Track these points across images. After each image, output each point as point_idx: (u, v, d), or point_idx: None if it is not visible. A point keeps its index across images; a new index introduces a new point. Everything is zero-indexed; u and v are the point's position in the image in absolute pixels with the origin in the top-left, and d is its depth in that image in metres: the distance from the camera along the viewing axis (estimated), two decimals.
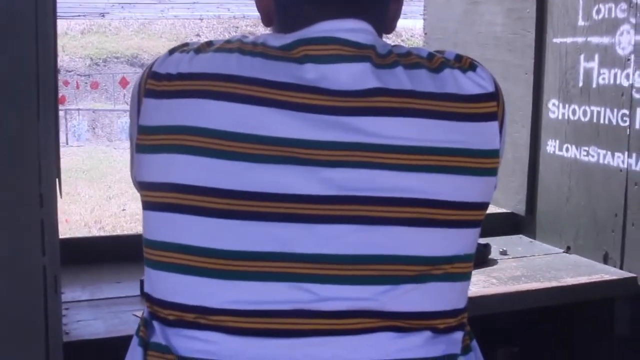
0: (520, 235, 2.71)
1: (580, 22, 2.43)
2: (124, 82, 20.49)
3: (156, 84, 1.00)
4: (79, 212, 11.50)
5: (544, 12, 2.59)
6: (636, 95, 2.22)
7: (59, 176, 1.39)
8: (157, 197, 0.99)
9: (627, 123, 2.25)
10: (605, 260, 2.34)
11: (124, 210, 11.80)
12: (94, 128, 21.84)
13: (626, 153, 2.25)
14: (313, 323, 0.97)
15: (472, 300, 1.08)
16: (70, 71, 24.62)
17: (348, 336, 0.98)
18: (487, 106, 1.02)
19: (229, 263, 0.95)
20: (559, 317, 2.46)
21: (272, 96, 0.96)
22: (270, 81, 0.96)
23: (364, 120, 0.96)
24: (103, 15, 24.44)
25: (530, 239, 2.66)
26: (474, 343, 1.10)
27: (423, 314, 1.00)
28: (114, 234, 8.53)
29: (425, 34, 3.33)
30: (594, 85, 2.38)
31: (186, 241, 0.97)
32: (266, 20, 1.12)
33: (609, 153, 2.32)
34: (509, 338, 2.39)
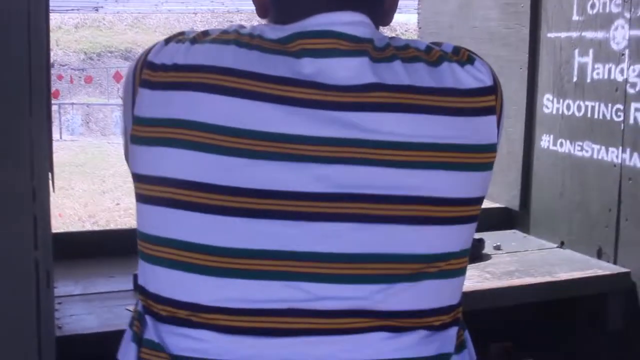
0: (514, 230, 2.71)
1: (575, 17, 2.43)
2: (118, 77, 20.44)
3: (152, 74, 0.99)
4: (72, 206, 11.48)
5: (539, 6, 2.59)
6: (630, 90, 2.22)
7: (51, 170, 1.39)
8: (151, 190, 0.98)
9: (621, 118, 2.24)
10: (599, 255, 2.34)
11: (118, 204, 11.78)
12: (87, 122, 21.79)
13: (620, 148, 2.25)
14: (307, 322, 0.96)
15: (466, 295, 1.08)
16: (64, 65, 24.55)
17: (342, 335, 0.97)
18: (486, 100, 1.01)
19: (222, 260, 0.94)
20: (553, 312, 2.46)
21: (269, 91, 0.95)
22: (267, 75, 0.95)
23: (362, 115, 0.95)
24: (97, 10, 24.35)
25: (524, 234, 2.66)
26: (467, 334, 1.09)
27: (418, 312, 1.00)
28: (108, 228, 8.52)
29: (420, 28, 3.32)
30: (589, 80, 2.38)
31: (179, 236, 0.96)
32: (261, 12, 1.10)
33: (603, 148, 2.32)
34: (502, 333, 2.39)
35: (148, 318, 1.01)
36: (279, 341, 0.96)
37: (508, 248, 2.46)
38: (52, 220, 1.30)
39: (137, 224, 1.03)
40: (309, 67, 0.96)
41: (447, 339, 1.03)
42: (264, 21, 1.11)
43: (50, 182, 1.30)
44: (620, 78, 2.25)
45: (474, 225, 1.04)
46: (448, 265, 1.00)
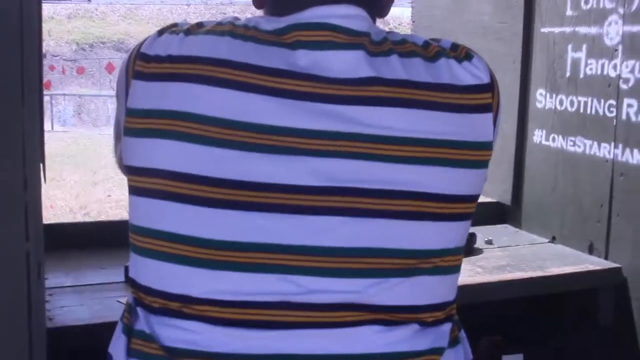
0: (506, 225, 2.71)
1: (569, 12, 2.43)
2: (110, 68, 20.37)
3: (145, 65, 0.98)
4: (64, 197, 11.45)
5: (532, 1, 2.59)
6: (623, 86, 2.22)
7: (43, 161, 1.38)
8: (144, 182, 0.98)
9: (614, 114, 2.25)
10: (591, 250, 2.35)
11: (109, 196, 11.76)
12: (79, 113, 21.73)
13: (612, 144, 2.26)
14: (300, 315, 0.96)
15: (457, 289, 1.08)
16: (56, 56, 24.45)
17: (335, 329, 0.97)
18: (482, 97, 1.01)
19: (215, 253, 0.94)
20: (544, 307, 2.46)
21: (264, 83, 0.94)
22: (262, 67, 0.95)
23: (358, 109, 0.95)
24: (89, 0, 24.26)
25: (516, 229, 2.67)
26: (462, 334, 1.09)
27: (411, 307, 1.00)
28: (99, 219, 8.51)
29: (413, 22, 3.32)
30: (582, 76, 2.38)
31: (172, 229, 0.95)
32: (258, 3, 1.10)
33: (596, 143, 2.32)
34: (493, 327, 2.39)
35: (139, 310, 1.01)
36: (271, 334, 0.96)
37: (499, 243, 2.46)
38: (43, 211, 1.29)
39: (129, 217, 1.03)
40: (304, 59, 0.96)
41: (441, 334, 1.03)
42: (258, 13, 1.11)
43: (42, 172, 1.29)
44: (613, 74, 2.25)
45: (467, 223, 1.04)
46: (443, 262, 1.00)
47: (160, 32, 1.02)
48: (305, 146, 0.94)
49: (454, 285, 1.06)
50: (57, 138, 16.25)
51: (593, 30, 2.34)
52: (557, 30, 2.48)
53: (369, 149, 0.95)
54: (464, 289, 1.08)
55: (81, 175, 13.26)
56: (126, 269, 1.90)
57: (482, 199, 2.74)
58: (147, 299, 1.00)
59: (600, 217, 2.31)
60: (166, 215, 0.95)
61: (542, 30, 2.55)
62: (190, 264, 0.95)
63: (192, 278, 0.95)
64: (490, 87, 1.02)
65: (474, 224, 1.08)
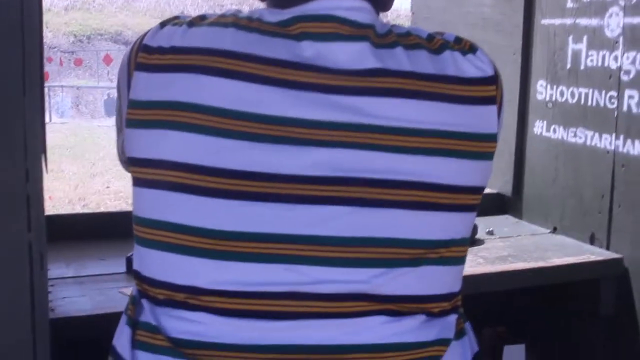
0: (507, 216, 2.71)
1: (569, 4, 2.42)
2: (107, 59, 20.35)
3: (148, 57, 0.98)
4: (62, 189, 11.45)
5: None
6: (624, 78, 2.21)
7: (44, 152, 1.38)
8: (149, 173, 0.97)
9: (615, 105, 2.24)
10: (592, 241, 2.35)
11: (108, 187, 11.76)
12: (77, 105, 21.72)
13: (614, 135, 2.26)
14: (306, 306, 0.96)
15: None
16: (53, 48, 24.42)
17: (342, 319, 0.97)
18: (487, 90, 1.01)
19: (220, 243, 0.94)
20: (545, 297, 2.47)
21: (268, 73, 0.94)
22: (267, 58, 0.95)
23: (363, 100, 0.95)
24: None
25: (517, 219, 2.67)
26: (468, 325, 1.09)
27: (417, 297, 1.00)
28: (99, 211, 8.50)
29: (413, 13, 3.31)
30: (582, 67, 2.37)
31: (177, 220, 0.95)
32: None
33: (597, 135, 2.32)
34: (495, 318, 2.40)
35: (144, 301, 1.01)
36: (278, 324, 0.96)
37: (501, 233, 2.46)
38: None
39: (133, 208, 1.03)
40: (309, 50, 0.96)
41: (447, 325, 1.03)
42: (256, 5, 1.11)
43: (44, 163, 1.29)
44: (614, 65, 2.25)
45: (473, 214, 1.04)
46: (449, 252, 1.01)
47: (163, 24, 1.02)
48: (311, 136, 0.94)
49: (460, 276, 1.06)
50: (55, 130, 16.24)
51: (594, 22, 2.33)
52: (557, 22, 2.48)
53: (375, 139, 0.95)
54: (466, 280, 1.08)
55: (80, 167, 13.26)
56: (127, 260, 1.90)
57: None
58: (152, 290, 1.00)
59: (601, 208, 2.31)
60: (171, 206, 0.95)
61: (543, 22, 2.55)
62: (196, 254, 0.95)
63: (198, 269, 0.95)
64: (495, 80, 1.03)
65: None
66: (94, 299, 1.72)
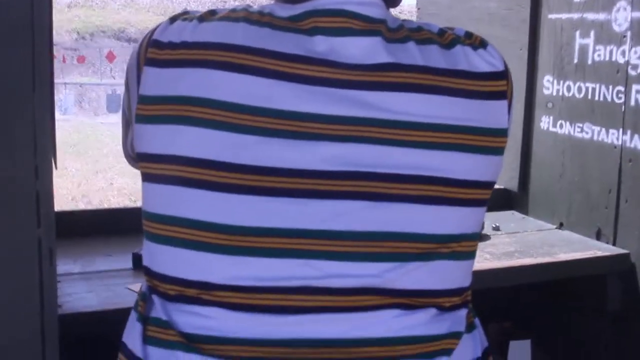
0: (513, 211, 2.70)
1: None
2: (110, 56, 20.38)
3: (158, 52, 0.98)
4: (66, 186, 11.46)
5: None
6: (632, 72, 2.21)
7: (54, 148, 1.38)
8: (160, 169, 0.97)
9: (622, 100, 2.24)
10: (598, 236, 2.34)
11: (111, 184, 11.77)
12: (80, 102, 21.74)
13: (621, 130, 2.25)
14: (319, 300, 0.95)
15: None
16: (56, 45, 24.38)
17: (355, 313, 0.97)
18: (498, 85, 1.01)
19: (233, 238, 0.94)
20: (552, 293, 2.46)
21: (281, 68, 0.94)
22: (279, 52, 0.94)
23: (375, 95, 0.95)
24: None
25: (523, 215, 2.66)
26: (477, 320, 1.09)
27: (429, 292, 1.00)
28: (105, 207, 8.51)
29: (419, 9, 3.31)
30: (590, 62, 2.37)
31: (189, 215, 0.95)
32: None
33: (604, 130, 2.32)
34: (501, 313, 2.39)
35: (155, 297, 1.01)
36: (291, 319, 0.95)
37: (507, 229, 2.46)
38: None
39: (143, 204, 1.03)
40: (322, 45, 0.96)
41: (458, 319, 1.03)
42: (259, 2, 1.10)
43: (53, 160, 1.29)
44: (621, 60, 2.24)
45: (483, 209, 1.04)
46: (460, 247, 1.01)
47: (173, 20, 1.02)
48: (324, 131, 0.93)
49: (470, 271, 1.06)
50: (58, 127, 16.16)
51: (601, 16, 2.32)
52: (564, 16, 2.47)
53: (387, 134, 0.95)
54: (472, 275, 1.08)
55: (83, 164, 13.27)
56: (134, 256, 1.90)
57: None
58: (162, 286, 0.99)
59: (608, 203, 2.31)
60: (184, 202, 0.95)
61: (550, 16, 2.54)
62: (209, 250, 0.94)
63: (212, 264, 0.95)
64: (505, 75, 1.03)
65: None
66: (101, 295, 1.72)
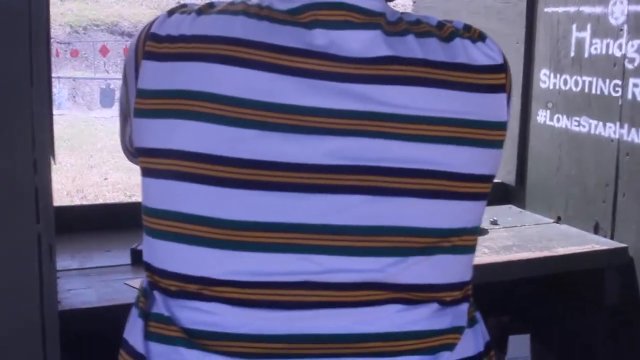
0: (510, 205, 2.71)
1: None
2: (104, 50, 20.32)
3: (157, 45, 0.97)
4: (60, 181, 11.42)
5: None
6: (629, 66, 2.21)
7: (52, 143, 1.37)
8: (159, 164, 0.96)
9: (619, 93, 2.24)
10: (596, 230, 2.35)
11: (106, 179, 11.74)
12: (74, 96, 21.68)
13: (618, 123, 2.25)
14: (320, 295, 0.95)
15: None
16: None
17: (356, 308, 0.96)
18: (497, 78, 1.01)
19: (234, 233, 0.93)
20: (550, 287, 2.47)
21: (280, 62, 0.93)
22: (278, 46, 0.94)
23: (375, 88, 0.94)
24: None
25: (520, 209, 2.67)
26: (478, 315, 1.09)
27: (431, 286, 0.99)
28: (103, 202, 8.49)
29: (414, 2, 3.30)
30: (586, 55, 2.37)
31: (190, 210, 0.94)
32: None
33: (601, 123, 2.32)
34: (500, 307, 2.40)
35: (156, 293, 1.00)
36: (292, 314, 0.95)
37: (505, 223, 2.46)
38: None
39: (142, 199, 1.02)
40: (321, 39, 0.95)
41: (459, 313, 1.03)
42: None
43: (52, 155, 1.28)
44: (618, 53, 2.24)
45: (484, 203, 1.04)
46: (461, 241, 1.00)
47: (170, 13, 1.02)
48: (324, 125, 0.93)
49: (470, 265, 1.06)
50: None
51: (598, 9, 2.32)
52: (561, 9, 2.47)
53: (387, 127, 0.94)
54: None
55: (77, 159, 13.23)
56: (132, 251, 1.90)
57: None
58: (163, 282, 0.99)
59: (605, 197, 2.31)
60: (184, 197, 0.94)
61: (546, 10, 2.54)
62: (209, 245, 0.94)
63: (212, 260, 0.94)
64: (504, 68, 1.03)
65: None
66: (100, 291, 1.71)
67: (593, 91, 2.34)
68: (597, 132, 2.33)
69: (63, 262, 1.89)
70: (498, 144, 1.02)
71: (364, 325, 0.97)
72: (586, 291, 2.36)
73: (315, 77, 0.94)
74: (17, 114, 1.14)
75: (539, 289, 2.50)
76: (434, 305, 1.00)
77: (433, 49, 0.98)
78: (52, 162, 1.28)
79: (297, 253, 0.94)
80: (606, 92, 2.29)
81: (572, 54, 2.42)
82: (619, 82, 2.24)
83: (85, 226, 2.18)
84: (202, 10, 0.99)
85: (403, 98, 0.95)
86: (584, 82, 2.38)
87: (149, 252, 1.02)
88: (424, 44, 0.99)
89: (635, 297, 2.20)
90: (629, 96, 2.21)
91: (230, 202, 0.93)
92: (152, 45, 0.98)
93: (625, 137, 2.23)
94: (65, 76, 22.20)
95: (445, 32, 1.01)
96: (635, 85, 2.19)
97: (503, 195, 2.72)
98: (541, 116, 2.56)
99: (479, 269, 1.96)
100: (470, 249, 1.04)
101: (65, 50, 23.80)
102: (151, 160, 0.98)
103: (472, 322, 1.06)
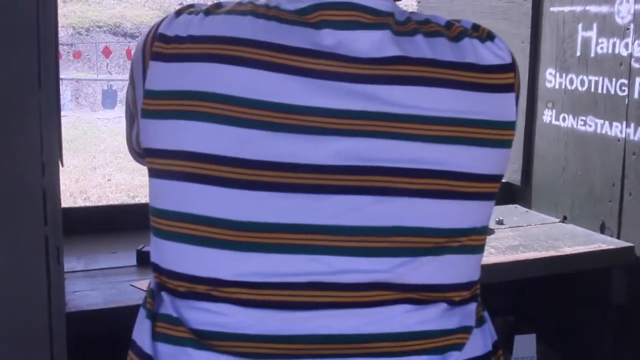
0: (516, 205, 2.70)
1: None
2: (106, 52, 20.32)
3: (165, 46, 0.97)
4: (63, 182, 11.36)
5: None
6: (635, 65, 2.20)
7: (60, 145, 1.37)
8: (167, 164, 0.96)
9: (626, 93, 2.23)
10: (602, 229, 2.34)
11: (109, 180, 11.75)
12: (77, 98, 21.69)
13: (624, 123, 2.24)
14: (330, 296, 0.95)
15: None
16: None
17: (365, 309, 0.96)
18: (505, 77, 1.01)
19: (242, 234, 0.93)
20: (556, 286, 2.46)
21: (289, 62, 0.93)
22: (287, 46, 0.94)
23: (384, 88, 0.94)
24: None
25: (526, 209, 2.66)
26: (486, 314, 1.09)
27: (439, 286, 0.99)
28: (108, 204, 8.49)
29: (419, 2, 3.29)
30: (592, 55, 2.36)
31: (198, 211, 0.94)
32: None
33: (607, 123, 2.31)
34: (506, 307, 2.39)
35: (164, 294, 1.00)
36: (302, 314, 0.95)
37: (510, 223, 2.46)
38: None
39: (150, 200, 1.02)
40: (330, 39, 0.95)
41: (468, 313, 1.03)
42: None
43: (59, 156, 1.28)
44: (624, 52, 2.24)
45: (492, 202, 1.04)
46: (469, 241, 1.00)
47: (178, 13, 1.01)
48: (333, 126, 0.93)
49: (479, 265, 1.06)
50: None
51: (604, 9, 2.32)
52: (566, 9, 2.47)
53: (396, 128, 0.94)
54: None
55: (80, 160, 13.23)
56: (138, 253, 1.89)
57: None
58: (171, 283, 0.99)
59: (612, 197, 2.30)
60: (192, 198, 0.94)
61: (552, 9, 2.53)
62: (217, 246, 0.94)
63: (220, 261, 0.94)
64: (513, 67, 1.03)
65: None
66: (106, 293, 1.71)
67: (599, 90, 2.34)
68: (603, 132, 2.33)
69: (69, 263, 1.88)
70: (507, 144, 1.02)
71: (373, 326, 0.97)
72: (592, 291, 2.35)
73: (324, 77, 0.93)
74: (25, 116, 1.13)
75: (545, 289, 2.49)
76: (443, 305, 1.00)
77: (442, 49, 0.98)
78: (60, 164, 1.28)
79: (307, 254, 0.94)
80: (612, 92, 2.28)
81: (578, 53, 2.42)
82: (625, 81, 2.24)
83: (91, 228, 2.17)
84: (210, 11, 0.99)
85: (412, 98, 0.95)
86: (590, 81, 2.37)
87: (157, 253, 1.01)
88: (433, 44, 0.98)
89: None
90: (636, 95, 2.20)
91: (240, 204, 0.92)
92: (159, 46, 0.98)
93: (631, 137, 2.22)
94: (68, 77, 22.21)
95: (454, 31, 1.01)
96: None
97: (509, 194, 2.72)
98: (547, 116, 2.56)
99: (484, 268, 1.95)
100: (479, 249, 1.04)
101: (68, 52, 23.81)
102: (159, 161, 0.98)
103: (480, 321, 1.05)
